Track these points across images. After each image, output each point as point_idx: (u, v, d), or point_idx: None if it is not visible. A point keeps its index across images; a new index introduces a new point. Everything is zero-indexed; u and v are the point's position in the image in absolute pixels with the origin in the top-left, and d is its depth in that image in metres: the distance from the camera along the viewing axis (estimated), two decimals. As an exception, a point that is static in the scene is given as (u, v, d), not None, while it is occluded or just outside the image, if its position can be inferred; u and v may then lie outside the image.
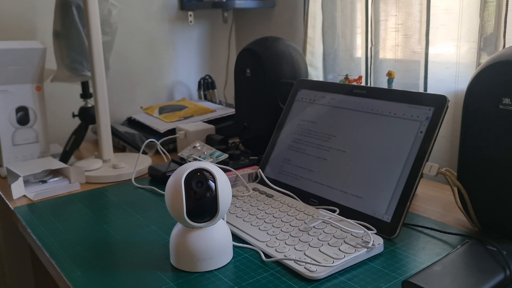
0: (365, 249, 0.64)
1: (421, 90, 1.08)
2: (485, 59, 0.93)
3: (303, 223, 0.72)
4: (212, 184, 0.61)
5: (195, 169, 0.62)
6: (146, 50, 1.54)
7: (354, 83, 0.95)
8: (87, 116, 1.15)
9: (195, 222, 0.61)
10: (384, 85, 1.15)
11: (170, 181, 0.62)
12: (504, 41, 0.90)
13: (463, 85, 1.00)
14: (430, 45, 1.05)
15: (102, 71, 1.03)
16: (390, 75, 0.94)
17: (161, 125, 1.25)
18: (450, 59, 1.02)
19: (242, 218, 0.76)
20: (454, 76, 1.01)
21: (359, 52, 1.23)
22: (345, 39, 1.26)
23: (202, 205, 0.61)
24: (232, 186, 0.90)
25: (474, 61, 0.96)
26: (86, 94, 1.16)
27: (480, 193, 0.70)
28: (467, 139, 0.71)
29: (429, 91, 1.06)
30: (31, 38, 1.31)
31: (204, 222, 0.62)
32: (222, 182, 0.62)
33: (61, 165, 0.98)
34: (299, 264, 0.61)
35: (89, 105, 1.16)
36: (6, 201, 0.92)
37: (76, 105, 1.18)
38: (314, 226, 0.71)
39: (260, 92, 1.07)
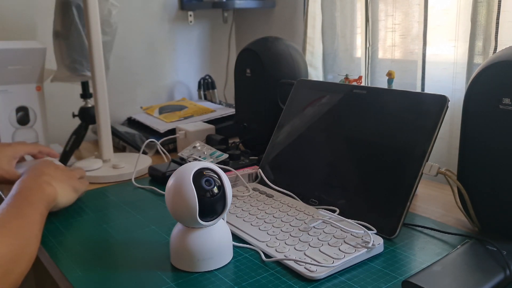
0: (365, 249, 0.64)
1: (418, 90, 1.08)
2: (477, 60, 0.92)
3: (303, 223, 0.72)
4: (219, 182, 0.61)
5: (200, 168, 0.62)
6: (146, 50, 1.54)
7: (354, 83, 0.95)
8: (87, 116, 1.15)
9: (205, 221, 0.61)
10: (381, 84, 1.15)
11: (171, 181, 0.62)
12: (496, 43, 0.89)
13: (460, 85, 0.99)
14: (427, 45, 1.05)
15: (102, 71, 1.03)
16: (390, 75, 0.94)
17: (161, 125, 1.25)
18: (447, 59, 1.02)
19: (242, 218, 0.76)
20: (451, 76, 1.01)
21: (359, 52, 1.23)
22: (344, 39, 1.26)
23: (213, 204, 0.61)
24: (232, 186, 0.90)
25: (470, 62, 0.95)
26: (86, 94, 1.16)
27: (480, 193, 0.70)
28: (467, 139, 0.71)
29: (426, 91, 1.06)
30: (31, 38, 1.31)
31: (212, 220, 0.62)
32: (224, 182, 0.62)
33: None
34: (299, 264, 0.61)
35: (89, 105, 1.16)
36: (6, 201, 0.91)
37: (76, 105, 1.18)
38: (314, 226, 0.71)
39: (260, 92, 1.07)
